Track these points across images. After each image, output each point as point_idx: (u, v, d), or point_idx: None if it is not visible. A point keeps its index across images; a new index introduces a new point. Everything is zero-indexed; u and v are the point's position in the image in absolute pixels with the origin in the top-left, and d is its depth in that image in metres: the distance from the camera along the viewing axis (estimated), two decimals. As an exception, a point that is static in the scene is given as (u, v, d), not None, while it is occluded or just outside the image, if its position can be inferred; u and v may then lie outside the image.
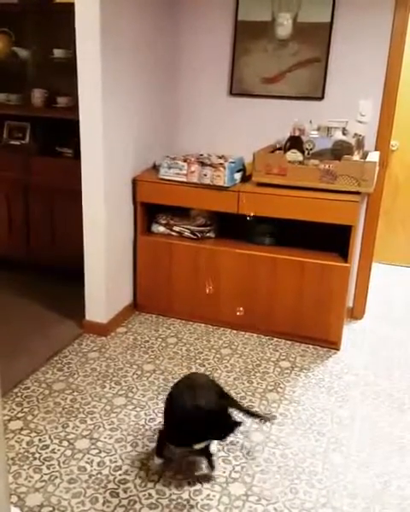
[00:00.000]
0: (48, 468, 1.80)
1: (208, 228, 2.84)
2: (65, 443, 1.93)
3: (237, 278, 2.71)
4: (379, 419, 2.14)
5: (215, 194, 2.62)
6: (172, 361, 2.49)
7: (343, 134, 2.55)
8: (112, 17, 2.31)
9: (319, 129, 2.60)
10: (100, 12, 2.22)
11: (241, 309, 2.73)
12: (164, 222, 2.87)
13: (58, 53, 3.05)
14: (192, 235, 2.81)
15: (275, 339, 2.74)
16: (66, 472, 1.79)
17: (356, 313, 3.04)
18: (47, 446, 1.91)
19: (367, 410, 2.20)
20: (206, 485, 1.76)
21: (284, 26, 2.76)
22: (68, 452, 1.88)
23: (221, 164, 2.56)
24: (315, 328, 2.64)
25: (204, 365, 2.47)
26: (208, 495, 1.72)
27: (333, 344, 2.66)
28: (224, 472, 1.82)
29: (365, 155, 2.57)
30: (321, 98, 2.79)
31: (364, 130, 2.58)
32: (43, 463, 1.83)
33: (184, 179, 2.65)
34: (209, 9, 2.88)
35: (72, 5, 2.26)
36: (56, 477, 1.77)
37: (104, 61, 2.31)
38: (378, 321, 3.04)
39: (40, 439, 1.94)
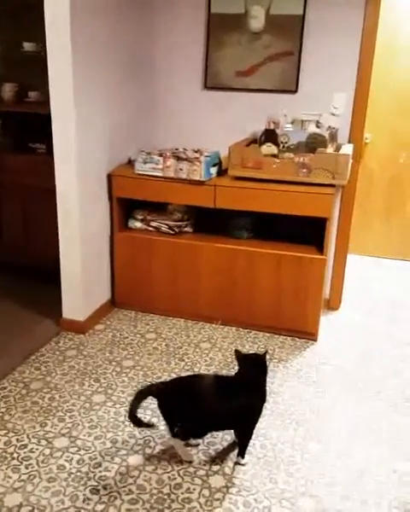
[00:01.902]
0: (26, 468, 1.79)
1: (186, 222, 2.83)
2: (43, 442, 1.91)
3: (215, 272, 2.71)
4: (356, 408, 2.18)
5: (192, 189, 2.61)
6: (152, 357, 2.49)
7: (317, 127, 2.57)
8: (82, 10, 2.27)
9: (293, 122, 2.62)
10: (70, 4, 2.18)
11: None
12: (141, 217, 2.85)
13: (28, 47, 2.99)
14: (170, 231, 2.80)
15: (254, 331, 2.76)
16: (45, 471, 1.78)
17: (333, 304, 3.08)
18: (25, 446, 1.89)
19: (345, 400, 2.23)
20: (186, 479, 1.77)
21: (257, 19, 2.75)
22: (47, 451, 1.87)
23: (197, 158, 2.56)
24: (293, 320, 2.67)
25: (184, 360, 2.47)
26: (188, 488, 1.73)
27: (311, 335, 2.69)
28: (204, 465, 1.83)
29: (338, 148, 2.59)
30: (295, 91, 2.80)
31: (337, 122, 2.60)
32: (22, 463, 1.81)
33: (160, 174, 2.64)
34: (182, 2, 2.85)
35: (41, -2, 2.22)
36: (35, 476, 1.76)
37: (75, 54, 2.27)
38: (354, 311, 3.08)
39: (18, 439, 1.92)
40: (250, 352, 1.89)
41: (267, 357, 1.86)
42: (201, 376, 1.90)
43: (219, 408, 1.77)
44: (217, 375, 1.92)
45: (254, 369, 1.82)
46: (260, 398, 1.84)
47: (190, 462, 1.83)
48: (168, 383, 1.87)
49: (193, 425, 1.80)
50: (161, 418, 1.85)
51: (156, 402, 1.83)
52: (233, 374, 1.90)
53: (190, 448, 1.89)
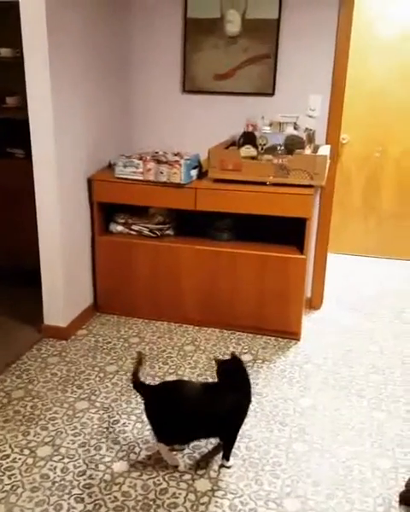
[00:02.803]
0: (9, 478, 1.76)
1: (167, 226, 2.83)
2: (26, 451, 1.89)
3: (197, 274, 2.71)
4: (340, 406, 2.20)
5: (172, 192, 2.61)
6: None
7: (295, 129, 2.59)
8: (59, 15, 2.26)
9: (271, 124, 2.64)
10: (46, 10, 2.17)
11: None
12: (122, 221, 2.84)
13: (5, 52, 2.96)
14: (151, 234, 2.80)
15: (237, 333, 2.76)
16: (28, 481, 1.76)
17: (314, 303, 3.10)
18: (7, 456, 1.86)
19: (328, 398, 2.25)
20: (172, 484, 1.76)
21: (233, 23, 2.77)
22: (30, 460, 1.84)
23: (177, 161, 2.56)
24: (276, 320, 2.68)
25: (168, 363, 2.46)
26: (174, 493, 1.72)
27: (293, 334, 2.71)
28: (189, 468, 1.83)
29: (316, 149, 2.61)
30: (272, 94, 2.82)
31: (314, 124, 2.63)
32: (4, 473, 1.78)
33: (140, 177, 2.63)
34: (158, 7, 2.86)
35: (17, 3, 2.20)
36: (18, 486, 1.73)
37: (52, 59, 2.26)
38: (336, 310, 3.11)
39: (0, 449, 1.89)
40: (226, 357, 1.93)
41: (245, 360, 1.89)
42: (187, 382, 1.89)
43: (204, 416, 1.76)
44: (203, 382, 1.92)
45: (234, 373, 1.83)
46: (246, 399, 1.84)
47: (177, 466, 1.83)
48: (156, 386, 1.87)
49: (179, 431, 1.80)
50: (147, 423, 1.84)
51: (143, 405, 1.82)
52: (217, 380, 1.90)
53: (175, 452, 1.88)
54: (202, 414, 1.76)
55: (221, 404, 1.78)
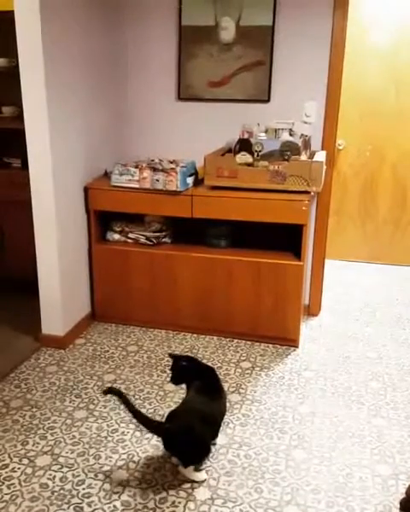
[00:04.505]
0: (8, 488, 1.75)
1: (164, 233, 2.83)
2: (25, 461, 1.88)
3: (194, 282, 2.71)
4: (339, 413, 2.19)
5: (169, 199, 2.62)
6: (134, 369, 2.47)
7: (290, 135, 2.60)
8: (54, 24, 2.28)
9: (266, 131, 2.65)
10: (41, 19, 2.18)
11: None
12: (119, 229, 2.84)
13: (0, 62, 2.98)
14: (148, 242, 2.80)
15: (235, 340, 2.76)
16: (27, 490, 1.75)
17: (312, 310, 3.10)
18: (7, 466, 1.85)
19: (327, 405, 2.24)
20: (171, 492, 1.75)
21: (228, 30, 2.79)
22: (29, 470, 1.84)
23: (173, 169, 2.57)
24: (274, 327, 2.68)
25: (166, 372, 2.45)
26: (174, 502, 1.71)
27: (292, 341, 2.70)
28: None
29: (312, 155, 2.63)
30: (267, 100, 2.84)
31: (310, 130, 2.64)
32: (4, 483, 1.77)
33: (136, 185, 2.64)
34: (153, 15, 2.88)
35: (12, 13, 2.21)
36: (17, 496, 1.72)
37: (48, 68, 2.27)
38: (334, 316, 3.11)
39: (-2, 460, 1.88)
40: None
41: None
42: (187, 405, 1.88)
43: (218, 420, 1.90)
44: (194, 393, 1.92)
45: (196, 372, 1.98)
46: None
47: (204, 480, 1.80)
48: (171, 425, 1.80)
49: (206, 448, 1.82)
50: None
51: (162, 442, 1.83)
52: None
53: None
54: (217, 420, 1.89)
55: (223, 399, 1.94)
